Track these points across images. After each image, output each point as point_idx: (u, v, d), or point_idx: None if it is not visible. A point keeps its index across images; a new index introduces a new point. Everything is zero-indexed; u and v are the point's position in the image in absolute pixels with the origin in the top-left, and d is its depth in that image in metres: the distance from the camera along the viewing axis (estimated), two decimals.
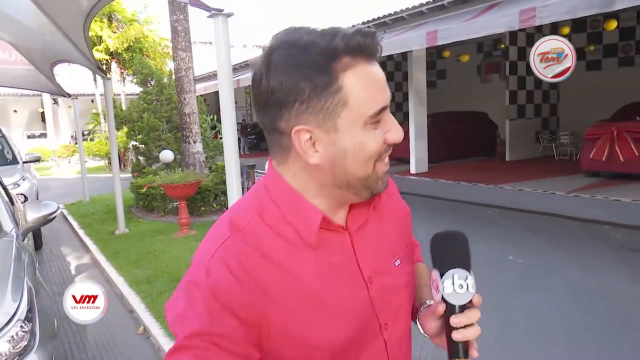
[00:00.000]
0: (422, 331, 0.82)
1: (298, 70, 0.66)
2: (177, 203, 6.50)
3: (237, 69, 16.74)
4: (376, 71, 0.69)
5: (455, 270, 0.71)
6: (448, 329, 0.71)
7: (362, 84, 0.67)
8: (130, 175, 9.56)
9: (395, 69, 15.92)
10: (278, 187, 0.74)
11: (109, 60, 16.46)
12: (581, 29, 11.94)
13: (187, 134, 7.92)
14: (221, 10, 2.97)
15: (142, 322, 3.73)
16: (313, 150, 0.69)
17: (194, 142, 7.95)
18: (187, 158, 7.94)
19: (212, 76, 18.56)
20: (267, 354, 0.70)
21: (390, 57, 14.25)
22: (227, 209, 0.87)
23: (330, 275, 0.72)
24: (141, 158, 9.42)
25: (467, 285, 0.70)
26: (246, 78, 14.04)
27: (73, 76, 18.55)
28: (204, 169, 8.05)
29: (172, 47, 8.16)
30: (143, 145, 9.17)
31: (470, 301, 0.71)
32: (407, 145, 10.65)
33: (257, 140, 20.41)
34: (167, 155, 7.73)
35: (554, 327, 3.36)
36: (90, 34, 16.42)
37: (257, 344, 0.69)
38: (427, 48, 9.06)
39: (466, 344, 0.70)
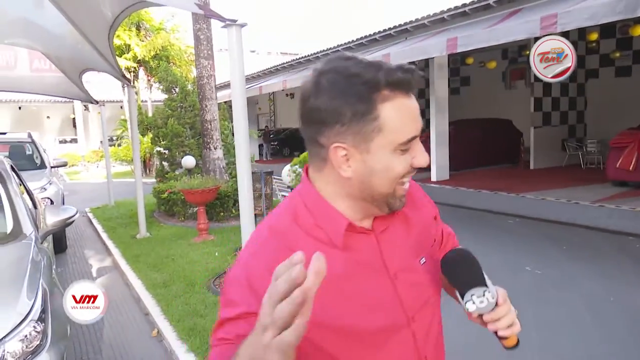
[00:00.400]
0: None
1: (343, 96, 0.75)
2: (197, 208, 6.62)
3: (261, 75, 16.97)
4: (411, 104, 0.78)
5: (472, 291, 0.79)
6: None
7: (397, 115, 0.76)
8: (154, 180, 9.78)
9: None
10: (310, 195, 0.84)
11: (137, 68, 16.91)
12: (610, 35, 11.64)
13: (208, 141, 8.06)
14: (235, 21, 3.03)
15: (156, 325, 3.81)
16: (347, 165, 0.78)
17: (215, 149, 8.09)
18: (208, 164, 8.08)
19: None
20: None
21: (412, 63, 14.20)
22: None
23: (358, 271, 0.81)
24: (165, 163, 9.64)
25: (487, 298, 0.78)
26: (270, 85, 14.22)
27: (104, 83, 19.11)
28: (224, 175, 8.17)
29: (194, 54, 8.34)
30: (167, 151, 9.39)
31: (496, 303, 0.79)
32: (429, 153, 10.55)
33: (280, 146, 20.55)
34: (188, 160, 7.89)
35: (568, 340, 3.27)
36: (119, 42, 16.83)
37: None
38: (450, 55, 9.01)
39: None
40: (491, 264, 4.85)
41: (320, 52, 13.34)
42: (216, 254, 5.55)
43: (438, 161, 10.60)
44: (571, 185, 8.78)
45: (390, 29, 10.33)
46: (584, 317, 3.64)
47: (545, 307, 3.85)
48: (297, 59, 14.77)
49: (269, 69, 16.47)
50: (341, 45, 12.41)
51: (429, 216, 0.98)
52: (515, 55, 14.06)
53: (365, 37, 11.31)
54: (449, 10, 8.69)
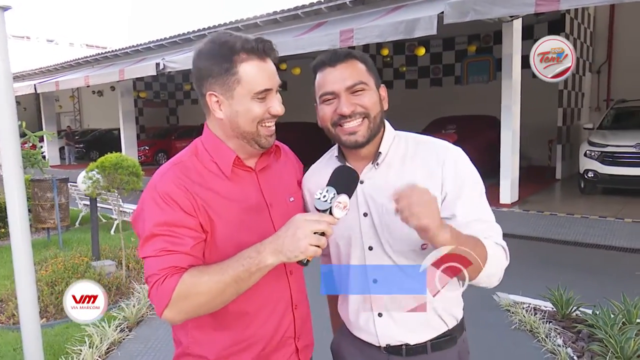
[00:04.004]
0: None
1: (213, 57, 1.05)
2: None
3: (59, 69, 14.93)
4: (264, 65, 1.07)
5: (328, 187, 0.99)
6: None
7: (252, 71, 1.04)
8: None
9: None
10: (207, 136, 1.13)
11: None
12: (401, 52, 13.45)
13: None
14: None
15: None
16: (219, 109, 1.07)
17: None
18: None
19: (27, 76, 16.29)
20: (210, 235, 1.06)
21: None
22: None
23: (241, 197, 1.09)
24: None
25: (329, 198, 0.97)
26: (69, 80, 12.62)
27: None
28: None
29: None
30: None
31: (331, 211, 0.96)
32: None
33: (86, 149, 18.29)
34: None
35: None
36: None
37: (203, 228, 1.05)
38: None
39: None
40: None
41: (130, 47, 12.33)
42: None
43: None
44: None
45: (192, 32, 10.16)
46: None
47: None
48: (103, 53, 13.39)
49: (68, 62, 14.58)
50: (152, 42, 11.69)
51: (294, 171, 1.29)
52: None
53: (169, 38, 10.98)
54: (262, 16, 8.91)
